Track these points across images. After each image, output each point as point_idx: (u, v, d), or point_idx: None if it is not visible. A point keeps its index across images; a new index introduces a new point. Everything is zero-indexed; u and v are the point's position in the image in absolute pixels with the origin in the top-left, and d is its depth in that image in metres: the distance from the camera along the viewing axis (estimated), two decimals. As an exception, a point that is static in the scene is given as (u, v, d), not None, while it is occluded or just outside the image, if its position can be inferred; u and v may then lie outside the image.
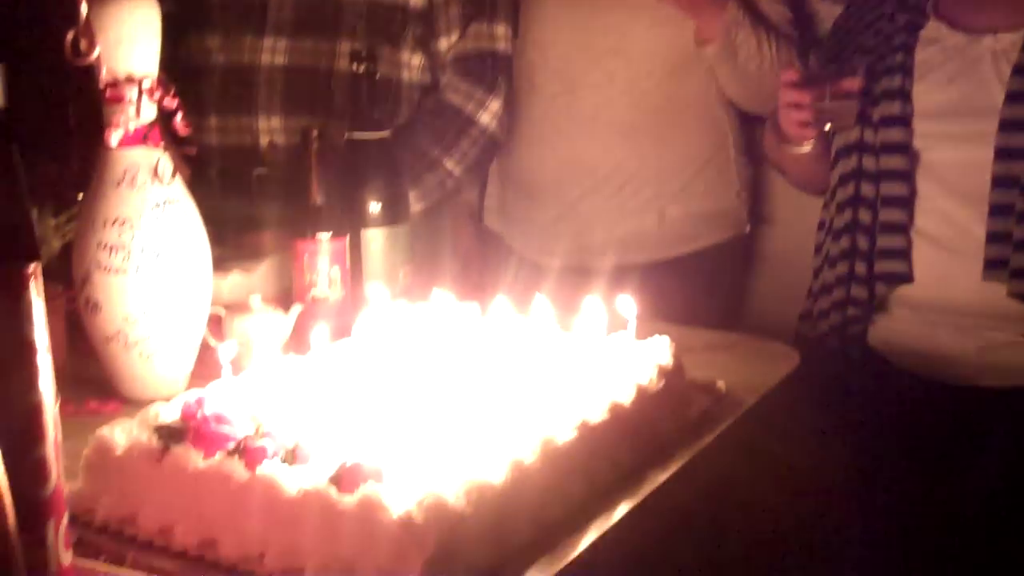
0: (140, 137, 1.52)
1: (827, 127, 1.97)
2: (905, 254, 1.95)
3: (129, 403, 1.55)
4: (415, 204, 2.11)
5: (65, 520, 0.89)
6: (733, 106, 2.38)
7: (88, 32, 1.43)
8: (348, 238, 1.84)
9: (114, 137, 1.51)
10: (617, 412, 1.37)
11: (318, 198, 1.81)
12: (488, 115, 2.23)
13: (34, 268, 0.85)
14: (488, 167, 2.45)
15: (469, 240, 2.57)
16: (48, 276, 1.50)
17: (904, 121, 1.96)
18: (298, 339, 1.72)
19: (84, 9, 1.41)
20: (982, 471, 1.82)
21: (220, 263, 1.72)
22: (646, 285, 1.69)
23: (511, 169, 2.45)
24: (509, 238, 2.51)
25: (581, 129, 2.32)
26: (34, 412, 0.86)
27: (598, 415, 1.35)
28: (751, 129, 2.43)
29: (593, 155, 2.32)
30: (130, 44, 1.50)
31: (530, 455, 1.24)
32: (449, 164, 2.21)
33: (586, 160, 2.32)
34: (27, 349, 0.84)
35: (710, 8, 2.19)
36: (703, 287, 2.34)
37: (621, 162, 2.31)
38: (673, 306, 1.94)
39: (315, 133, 1.80)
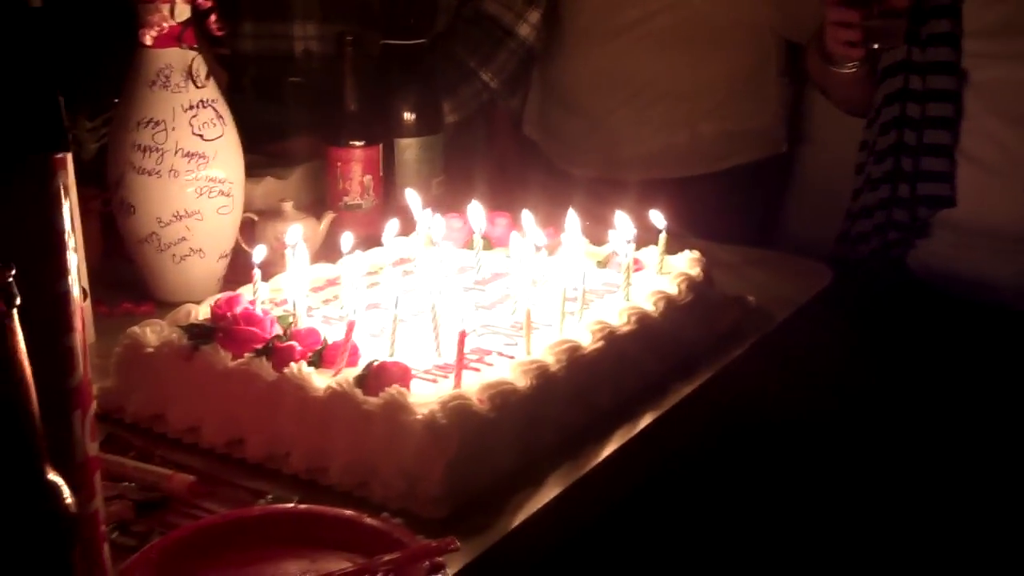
0: (174, 37, 1.52)
1: (874, 46, 1.93)
2: (949, 177, 1.92)
3: (162, 305, 1.57)
4: (449, 116, 2.10)
5: (92, 411, 0.90)
6: (776, 31, 2.34)
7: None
8: (381, 147, 1.84)
9: (148, 36, 1.51)
10: (644, 322, 1.37)
11: (352, 105, 1.81)
12: (527, 27, 2.21)
13: (63, 157, 0.86)
14: (525, 80, 2.43)
15: (506, 147, 2.56)
16: (83, 179, 1.53)
17: (953, 39, 1.91)
18: (330, 246, 1.73)
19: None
20: (1019, 396, 1.81)
21: (253, 169, 1.72)
22: (679, 200, 1.68)
23: (550, 78, 2.44)
24: (546, 148, 2.50)
25: (619, 40, 2.30)
26: (62, 301, 0.87)
27: (627, 326, 1.35)
28: (794, 49, 2.39)
29: (629, 67, 2.30)
30: (164, -57, 1.49)
31: (556, 362, 1.24)
32: (486, 76, 2.20)
33: (622, 72, 2.30)
34: (55, 237, 0.85)
35: None
36: (737, 205, 2.32)
37: (656, 76, 2.29)
38: (706, 223, 1.93)
39: (350, 39, 1.80)
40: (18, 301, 0.71)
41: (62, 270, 0.88)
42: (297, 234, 1.44)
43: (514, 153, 2.57)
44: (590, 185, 2.27)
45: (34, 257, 0.85)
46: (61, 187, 0.88)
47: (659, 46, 2.28)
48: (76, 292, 0.90)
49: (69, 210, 0.89)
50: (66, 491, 0.75)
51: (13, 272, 0.70)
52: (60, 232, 0.87)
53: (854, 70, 2.02)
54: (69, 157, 0.90)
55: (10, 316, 0.71)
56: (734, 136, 2.35)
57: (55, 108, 0.85)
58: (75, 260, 0.89)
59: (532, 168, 2.53)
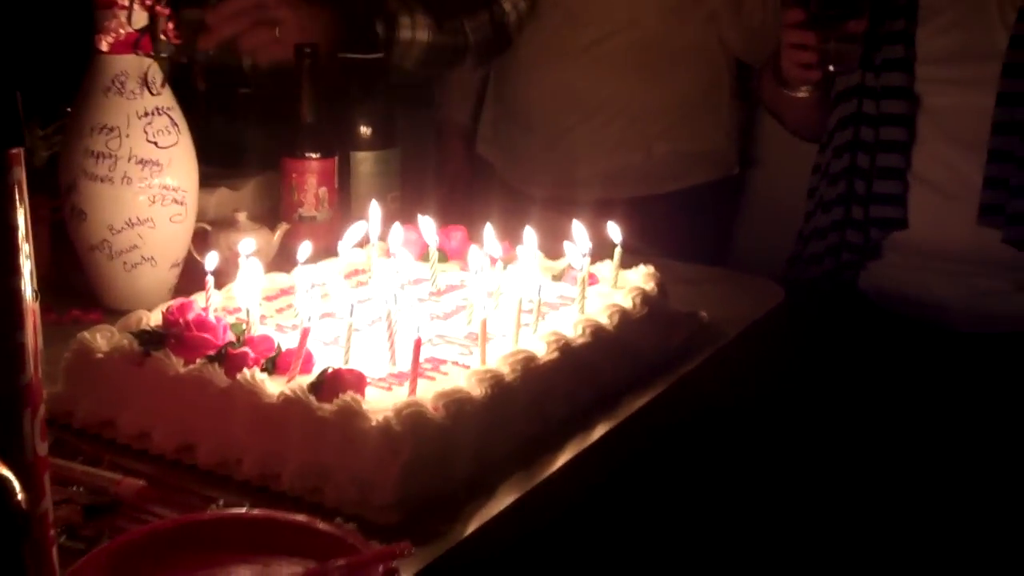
0: (130, 44, 1.52)
1: (830, 69, 1.96)
2: (901, 199, 1.96)
3: (111, 313, 1.55)
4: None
5: (42, 411, 0.89)
6: (730, 52, 2.38)
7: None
8: (337, 159, 1.84)
9: (104, 43, 1.51)
10: (599, 334, 1.38)
11: (308, 117, 1.81)
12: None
13: (18, 152, 0.85)
14: (492, 58, 2.42)
15: (458, 166, 2.58)
16: (34, 187, 1.52)
17: (906, 65, 1.96)
18: (284, 257, 1.73)
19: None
20: (967, 417, 1.84)
21: (207, 179, 1.72)
22: (632, 220, 1.69)
23: (505, 96, 2.46)
24: (500, 166, 2.52)
25: (576, 60, 2.33)
26: (13, 297, 0.86)
27: (581, 338, 1.37)
28: (746, 72, 2.43)
29: (585, 87, 2.33)
30: (122, -52, 1.49)
31: (511, 371, 1.25)
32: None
33: (578, 91, 2.34)
34: (9, 232, 0.84)
35: None
36: (689, 225, 2.35)
37: (612, 96, 2.32)
38: (658, 243, 1.95)
39: (308, 51, 1.80)
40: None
41: (14, 266, 0.87)
42: (251, 244, 1.44)
43: (467, 173, 2.59)
44: (545, 204, 2.29)
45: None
46: (16, 183, 0.87)
47: (615, 67, 2.32)
48: (28, 291, 0.89)
49: (24, 208, 0.89)
50: (17, 487, 0.74)
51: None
52: (13, 228, 0.87)
53: (808, 94, 2.06)
54: (23, 153, 0.89)
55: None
56: (687, 157, 2.38)
57: (12, 103, 0.85)
58: (28, 258, 0.89)
59: (486, 187, 2.55)
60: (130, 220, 1.54)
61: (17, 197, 0.88)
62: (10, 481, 0.74)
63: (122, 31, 1.52)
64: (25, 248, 0.89)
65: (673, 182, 2.36)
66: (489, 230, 1.56)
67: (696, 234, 2.36)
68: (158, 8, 1.54)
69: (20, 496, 0.75)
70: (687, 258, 1.94)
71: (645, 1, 2.29)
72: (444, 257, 1.63)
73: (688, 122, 2.38)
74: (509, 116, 2.47)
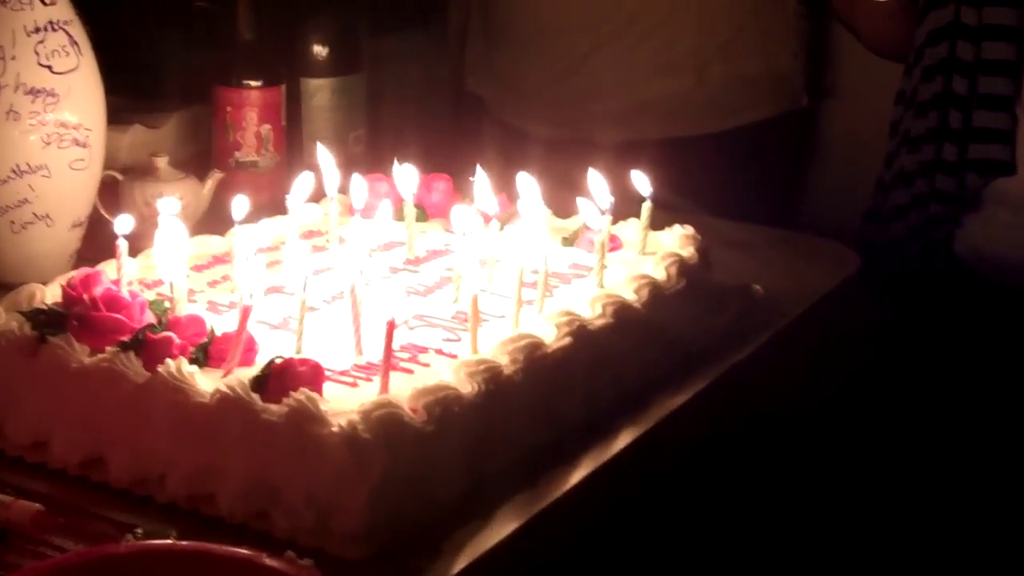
0: (15, -64, 1.52)
1: None
2: (1008, 136, 1.95)
3: (-4, 286, 1.57)
4: None
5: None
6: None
7: None
8: (284, 88, 1.84)
9: (-19, -64, 1.51)
10: (624, 316, 1.39)
11: (247, 33, 1.81)
12: None
13: None
14: None
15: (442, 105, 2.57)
16: None
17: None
18: (216, 214, 1.73)
19: None
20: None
21: (118, 114, 1.72)
22: (667, 167, 1.69)
23: (500, 14, 2.44)
24: (495, 103, 2.50)
25: None
26: None
27: (601, 319, 1.37)
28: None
29: None
30: None
31: (511, 362, 1.26)
32: None
33: (600, 1, 2.31)
34: None
35: None
36: (741, 174, 2.34)
37: (647, 5, 2.30)
38: (700, 196, 1.95)
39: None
40: None
41: None
42: (174, 200, 1.44)
43: (451, 115, 2.57)
44: (553, 147, 2.28)
45: None
46: None
47: None
48: None
49: None
50: None
51: None
52: None
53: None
54: None
55: None
56: (747, 83, 2.37)
57: None
58: None
59: (475, 127, 2.53)
60: (17, 167, 1.55)
61: None
62: None
63: (5, -81, 1.51)
64: None
65: (731, 116, 2.35)
66: (481, 180, 1.56)
67: (750, 185, 2.35)
68: None
69: None
70: (736, 216, 1.94)
71: None
72: (424, 215, 1.63)
73: (748, 35, 2.36)
74: (508, 38, 2.44)
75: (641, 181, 1.57)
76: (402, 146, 1.92)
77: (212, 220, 1.70)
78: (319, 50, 1.92)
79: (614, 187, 1.53)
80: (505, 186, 1.60)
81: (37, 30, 1.53)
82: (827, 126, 2.56)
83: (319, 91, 1.91)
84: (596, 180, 1.53)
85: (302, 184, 1.54)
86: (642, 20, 2.31)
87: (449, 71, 2.62)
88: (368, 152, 1.97)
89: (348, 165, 1.66)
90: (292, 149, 1.87)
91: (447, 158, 1.97)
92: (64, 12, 1.56)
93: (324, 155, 1.60)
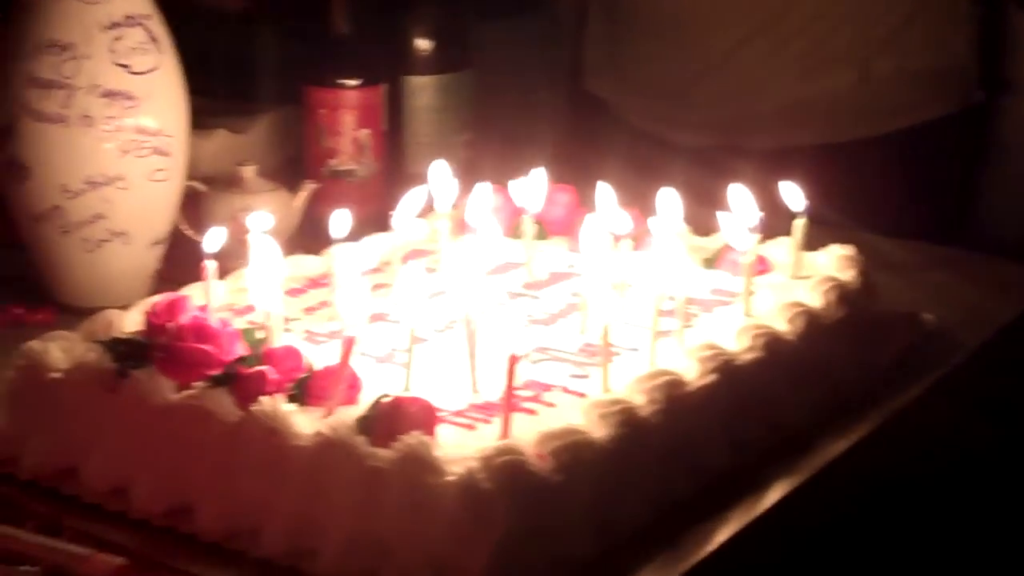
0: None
1: None
2: None
3: (68, 311, 1.59)
4: None
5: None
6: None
7: None
8: (385, 88, 1.85)
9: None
10: (775, 349, 1.38)
11: (342, 26, 1.82)
12: None
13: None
14: None
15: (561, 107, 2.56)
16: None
17: None
18: (309, 230, 1.74)
19: None
20: None
21: (199, 118, 1.74)
22: (828, 175, 1.68)
23: (628, 4, 2.43)
24: (623, 106, 2.49)
25: None
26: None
27: (749, 352, 1.36)
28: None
29: None
30: None
31: (648, 402, 1.25)
32: None
33: None
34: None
35: None
36: (913, 182, 2.32)
37: None
38: (864, 208, 1.93)
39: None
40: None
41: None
42: (269, 218, 1.46)
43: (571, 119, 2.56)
44: (696, 156, 2.27)
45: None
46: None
47: None
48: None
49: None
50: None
51: None
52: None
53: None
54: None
55: None
56: (918, 78, 2.34)
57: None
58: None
59: (598, 134, 2.52)
60: (91, 179, 1.57)
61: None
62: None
63: (82, -93, 1.54)
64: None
65: (899, 116, 2.32)
66: (606, 193, 1.56)
67: (916, 196, 2.32)
68: None
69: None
70: (901, 232, 1.92)
71: None
72: (543, 232, 1.63)
73: (919, 25, 2.34)
74: (638, 32, 2.43)
75: (793, 194, 1.56)
76: (515, 151, 1.93)
77: (305, 237, 1.72)
78: (423, 44, 1.93)
79: (761, 200, 1.52)
80: (636, 200, 1.60)
81: (113, 25, 1.56)
82: (1006, 125, 2.52)
83: (422, 90, 1.92)
84: (741, 193, 1.52)
85: (412, 199, 1.54)
86: (797, 10, 2.29)
87: (567, 65, 2.62)
88: (477, 158, 1.97)
89: (457, 174, 1.66)
90: (393, 156, 1.88)
91: (566, 166, 1.97)
92: (143, 5, 1.59)
93: (437, 165, 1.60)
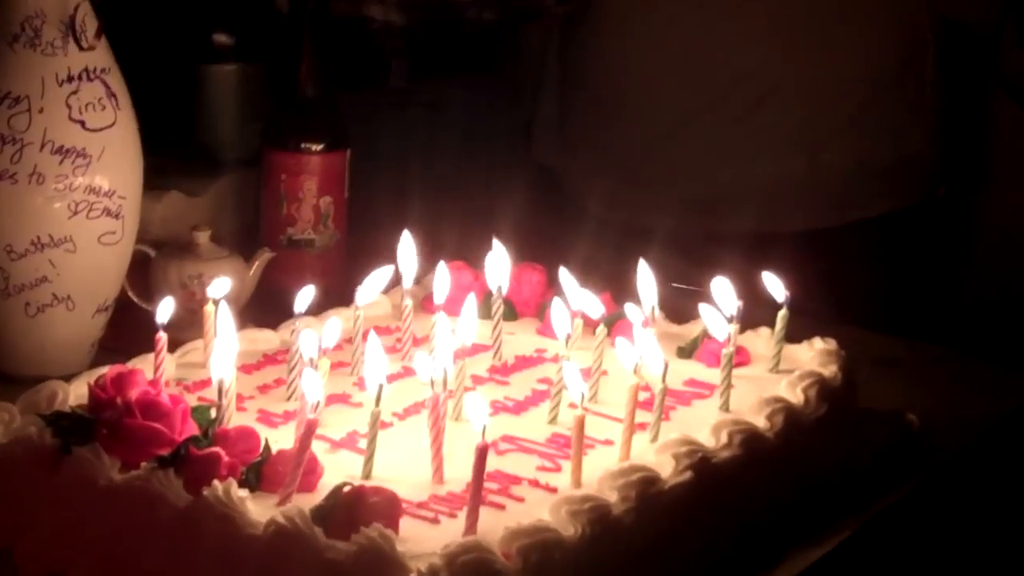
0: (51, -25, 1.54)
1: None
2: None
3: (5, 380, 1.57)
4: None
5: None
6: (935, 8, 2.37)
7: None
8: (349, 153, 1.85)
9: (12, -28, 1.53)
10: (754, 447, 1.37)
11: (310, 90, 1.82)
12: None
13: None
14: None
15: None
16: None
17: None
18: (262, 301, 1.73)
19: None
20: None
21: (153, 178, 1.73)
22: (788, 264, 1.68)
23: (584, 70, 2.43)
24: (569, 178, 2.48)
25: (703, 11, 2.31)
26: None
27: (726, 450, 1.35)
28: (953, 42, 2.42)
29: (716, 52, 2.30)
30: None
31: (621, 500, 1.24)
32: None
33: (705, 59, 2.30)
34: None
35: None
36: (876, 275, 2.33)
37: (758, 67, 2.29)
38: (831, 299, 1.93)
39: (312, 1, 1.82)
40: None
41: None
42: (225, 285, 1.45)
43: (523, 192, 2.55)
44: (624, 235, 2.27)
45: None
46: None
47: (761, 27, 2.30)
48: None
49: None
50: None
51: None
52: None
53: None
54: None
55: None
56: (873, 169, 2.35)
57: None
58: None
59: (541, 207, 2.51)
60: (38, 239, 1.55)
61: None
62: None
63: (38, -45, 1.53)
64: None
65: (852, 208, 2.34)
66: (572, 277, 1.56)
67: (873, 289, 2.33)
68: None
69: None
70: (875, 323, 1.92)
71: None
72: (513, 312, 1.62)
73: (874, 112, 2.35)
74: (588, 101, 2.43)
75: (774, 284, 1.55)
76: (479, 223, 1.92)
77: (256, 309, 1.71)
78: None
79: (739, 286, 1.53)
80: (606, 278, 1.59)
81: (70, 79, 1.55)
82: (981, 220, 2.54)
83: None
84: (721, 283, 1.52)
85: (379, 278, 1.53)
86: (744, 91, 2.29)
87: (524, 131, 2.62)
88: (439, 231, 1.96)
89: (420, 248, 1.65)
90: (357, 226, 1.87)
91: (534, 239, 1.96)
92: (103, 59, 1.58)
93: (407, 240, 1.59)
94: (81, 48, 1.55)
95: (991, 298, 2.47)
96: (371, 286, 1.52)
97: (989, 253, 2.56)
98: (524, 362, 1.56)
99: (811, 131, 2.33)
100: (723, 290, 1.52)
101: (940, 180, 2.46)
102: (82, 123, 1.55)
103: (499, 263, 1.59)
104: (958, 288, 2.56)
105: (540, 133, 2.55)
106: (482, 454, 1.19)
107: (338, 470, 1.25)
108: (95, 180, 1.57)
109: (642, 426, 1.35)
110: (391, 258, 1.58)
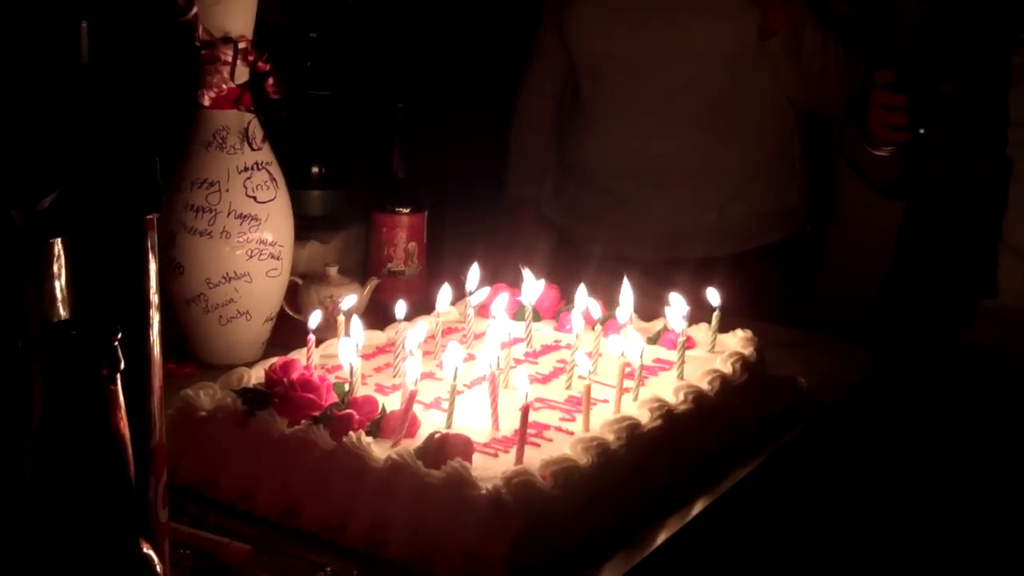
0: (232, 99, 1.52)
1: (920, 132, 1.93)
2: (989, 266, 1.91)
3: (205, 367, 1.56)
4: None
5: (164, 477, 0.88)
6: (798, 106, 2.34)
7: (187, -9, 1.44)
8: (427, 214, 1.83)
9: (207, 98, 1.51)
10: (701, 403, 1.36)
11: (399, 171, 1.81)
12: None
13: (153, 217, 0.85)
14: None
15: (532, 239, 2.49)
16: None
17: (997, 128, 1.92)
18: (372, 312, 1.72)
19: (185, -32, 1.42)
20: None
21: (301, 231, 1.71)
22: (704, 280, 1.66)
23: (574, 158, 2.41)
24: (562, 225, 2.47)
25: (646, 120, 2.27)
26: (146, 363, 0.85)
27: (682, 404, 1.34)
28: (814, 125, 2.40)
29: (653, 147, 2.27)
30: (228, 4, 1.49)
31: (616, 439, 1.23)
32: None
33: (646, 152, 2.28)
34: (144, 299, 0.84)
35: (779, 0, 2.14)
36: (761, 286, 2.30)
37: (682, 156, 2.27)
38: (732, 303, 1.92)
39: (400, 106, 1.80)
40: (122, 366, 0.70)
41: (147, 333, 0.86)
42: (351, 300, 1.43)
43: (540, 244, 2.52)
44: (603, 261, 2.26)
45: (122, 319, 0.83)
46: (150, 247, 0.87)
47: (684, 126, 2.26)
48: (158, 349, 0.89)
49: (154, 268, 0.88)
50: (158, 566, 0.73)
51: (119, 336, 0.69)
52: (147, 294, 0.86)
53: (890, 154, 2.02)
54: (156, 218, 0.89)
55: (115, 382, 0.69)
56: (761, 216, 2.33)
57: (152, 169, 0.84)
58: (156, 310, 0.88)
59: (558, 248, 2.49)
60: (227, 274, 1.54)
61: (151, 261, 0.87)
62: (152, 560, 0.73)
63: (224, 86, 1.52)
64: (155, 312, 0.88)
65: (746, 241, 2.32)
66: (582, 291, 1.54)
67: (769, 295, 2.31)
68: (260, 64, 1.54)
69: (160, 574, 0.73)
70: (773, 318, 1.90)
71: (711, 57, 2.23)
72: (537, 316, 1.61)
73: (762, 179, 2.33)
74: (573, 177, 2.42)
75: (712, 295, 1.54)
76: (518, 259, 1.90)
77: (370, 317, 1.69)
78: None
79: (657, 295, 1.52)
80: (600, 293, 1.58)
81: (246, 169, 1.54)
82: (832, 246, 2.55)
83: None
84: (676, 295, 1.51)
85: (444, 292, 1.52)
86: (677, 168, 2.27)
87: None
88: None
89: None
90: (431, 261, 1.86)
91: (551, 271, 1.94)
92: (266, 155, 1.57)
93: (473, 271, 1.57)
94: (252, 149, 1.54)
95: (840, 294, 2.46)
96: (441, 299, 1.51)
97: (836, 267, 2.56)
98: (547, 348, 1.54)
99: (719, 194, 2.31)
100: (677, 300, 1.51)
101: (807, 220, 2.44)
102: (254, 198, 1.54)
103: (529, 284, 1.58)
104: (816, 290, 2.55)
105: (545, 199, 2.52)
106: (525, 411, 1.18)
107: (430, 423, 1.24)
108: (263, 235, 1.56)
109: (627, 390, 1.34)
110: (455, 282, 1.57)
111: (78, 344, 0.66)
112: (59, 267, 0.82)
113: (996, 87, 1.92)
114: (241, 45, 1.50)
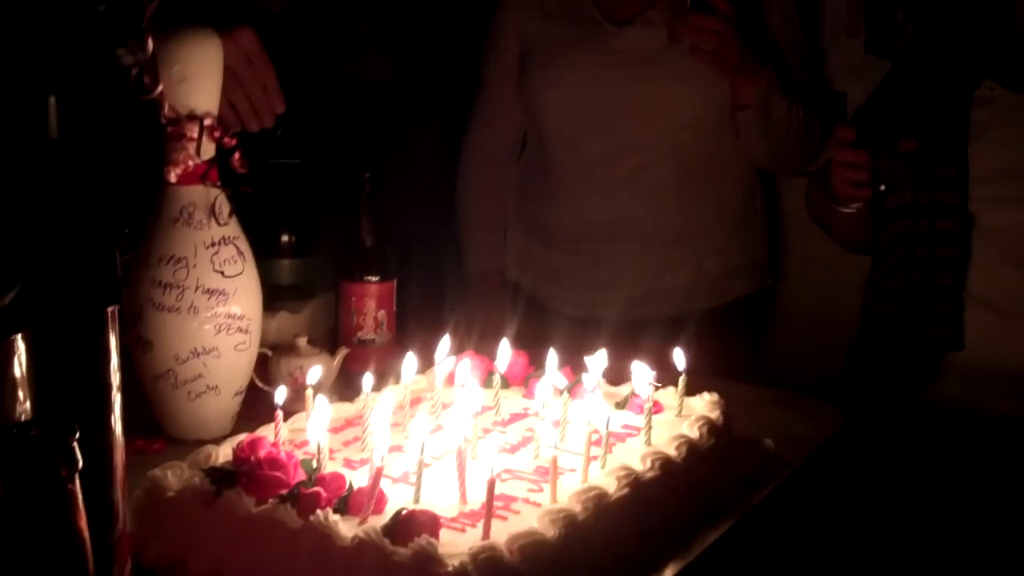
0: (199, 175, 1.53)
1: (881, 188, 1.96)
2: (956, 319, 1.94)
3: (175, 442, 1.55)
4: None
5: (128, 564, 0.89)
6: (759, 169, 2.41)
7: (152, 68, 1.46)
8: (396, 282, 1.85)
9: (173, 174, 1.53)
10: (668, 469, 1.36)
11: (367, 240, 1.82)
12: None
13: (114, 309, 0.86)
14: None
15: (497, 310, 2.46)
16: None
17: (959, 183, 1.96)
18: (343, 382, 1.72)
19: (150, 45, 1.44)
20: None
21: (269, 302, 1.72)
22: (673, 339, 1.68)
23: (545, 224, 2.40)
24: (529, 287, 2.47)
25: (623, 189, 2.29)
26: (108, 453, 0.86)
27: (650, 472, 1.35)
28: (770, 184, 2.47)
29: (636, 212, 2.30)
30: (193, 82, 1.51)
31: (583, 510, 1.24)
32: None
33: (629, 218, 2.30)
34: (105, 391, 0.85)
35: (749, 72, 2.18)
36: (729, 341, 2.32)
37: (663, 220, 2.30)
38: (701, 359, 1.94)
39: (368, 176, 1.82)
40: (80, 466, 0.71)
41: (109, 425, 0.88)
42: (317, 372, 1.44)
43: (502, 312, 2.51)
44: (570, 322, 2.28)
45: (83, 411, 0.85)
46: (112, 339, 0.88)
47: (659, 193, 2.29)
48: (120, 439, 0.90)
49: (116, 359, 0.89)
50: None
51: (77, 437, 0.70)
52: (109, 386, 0.88)
53: (857, 210, 2.06)
54: (118, 309, 0.90)
55: (74, 481, 0.70)
56: (733, 270, 2.37)
57: (111, 262, 0.86)
58: (118, 391, 0.89)
59: (523, 311, 2.50)
60: (196, 350, 1.54)
61: (112, 353, 0.88)
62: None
63: (190, 163, 1.54)
64: (116, 393, 0.89)
65: (718, 297, 2.35)
66: (552, 358, 1.55)
67: (736, 348, 2.33)
68: (226, 140, 1.56)
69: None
70: (727, 374, 1.91)
71: (684, 126, 2.27)
72: (506, 383, 1.62)
73: (736, 235, 2.37)
74: (541, 240, 2.43)
75: (679, 357, 1.56)
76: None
77: (340, 387, 1.70)
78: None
79: (624, 356, 1.52)
80: (533, 352, 1.59)
81: (213, 244, 1.55)
82: (783, 302, 2.59)
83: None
84: (639, 363, 1.52)
85: (410, 361, 1.53)
86: (655, 233, 2.30)
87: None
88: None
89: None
90: (401, 328, 1.87)
91: (517, 336, 1.95)
92: (233, 230, 1.58)
93: (443, 344, 1.58)
94: (219, 224, 1.55)
95: (796, 348, 2.50)
96: (406, 369, 1.52)
97: (791, 320, 2.60)
98: (516, 416, 1.54)
99: (696, 252, 2.33)
100: (640, 368, 1.52)
101: (769, 275, 2.48)
102: (222, 272, 1.55)
103: (506, 352, 1.59)
104: (773, 344, 2.59)
105: (511, 263, 2.53)
106: (491, 485, 1.19)
107: (398, 498, 1.24)
108: (231, 309, 1.56)
109: (594, 458, 1.35)
110: (425, 350, 1.58)
111: (36, 446, 0.67)
112: (19, 361, 0.83)
113: (956, 143, 1.96)
114: (207, 122, 1.52)
